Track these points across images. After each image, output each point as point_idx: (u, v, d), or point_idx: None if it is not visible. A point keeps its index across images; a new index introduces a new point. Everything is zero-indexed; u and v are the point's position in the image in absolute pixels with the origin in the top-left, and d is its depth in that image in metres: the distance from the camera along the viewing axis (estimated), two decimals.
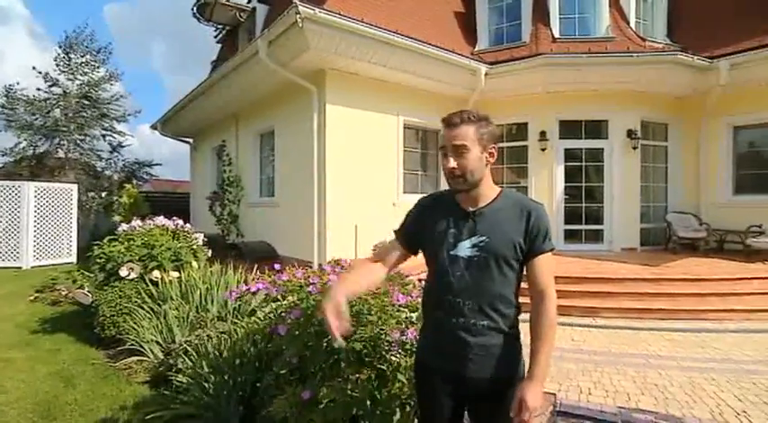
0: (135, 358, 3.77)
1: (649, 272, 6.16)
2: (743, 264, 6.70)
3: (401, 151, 8.04)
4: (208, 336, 3.26)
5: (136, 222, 6.76)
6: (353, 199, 7.35)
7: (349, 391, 2.04)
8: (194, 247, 5.03)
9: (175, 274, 4.61)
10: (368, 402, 2.05)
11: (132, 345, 3.86)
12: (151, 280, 4.52)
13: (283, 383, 2.35)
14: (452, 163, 1.46)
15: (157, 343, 3.89)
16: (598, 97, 8.00)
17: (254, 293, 2.44)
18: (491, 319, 1.45)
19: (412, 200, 7.08)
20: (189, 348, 3.26)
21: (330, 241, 7.09)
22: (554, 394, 3.12)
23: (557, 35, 8.42)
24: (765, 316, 5.29)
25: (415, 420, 2.21)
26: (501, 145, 8.98)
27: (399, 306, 2.23)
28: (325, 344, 2.05)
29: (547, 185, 8.39)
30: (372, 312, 2.08)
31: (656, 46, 8.39)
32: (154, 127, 12.81)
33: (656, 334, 4.80)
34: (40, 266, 9.11)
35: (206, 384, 2.66)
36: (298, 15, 5.67)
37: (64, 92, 11.32)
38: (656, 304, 5.45)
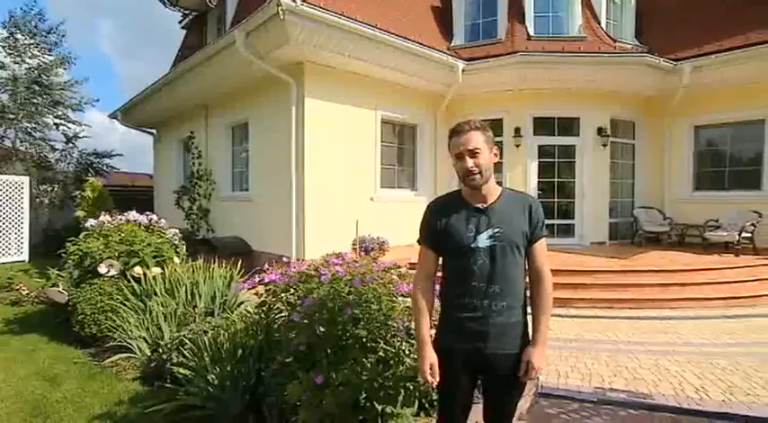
0: (123, 355, 3.85)
1: (618, 264, 6.69)
2: (701, 256, 7.37)
3: (379, 146, 8.24)
4: (203, 330, 3.40)
5: (104, 217, 6.71)
6: (332, 194, 7.51)
7: (356, 375, 2.27)
8: (175, 242, 5.07)
9: (158, 270, 4.67)
10: (374, 384, 2.29)
11: (119, 342, 3.94)
12: (133, 277, 4.57)
13: (290, 371, 2.56)
14: (470, 163, 1.75)
15: (144, 339, 3.99)
16: (571, 95, 8.50)
17: (265, 284, 2.59)
18: (509, 300, 1.75)
19: (389, 195, 7.38)
20: (185, 342, 3.39)
21: (309, 236, 7.23)
22: (536, 378, 3.46)
23: (531, 33, 8.84)
24: (720, 303, 5.90)
25: (416, 399, 2.48)
26: None
27: (402, 295, 2.47)
28: (337, 331, 2.27)
29: (521, 181, 8.83)
30: (381, 299, 2.31)
31: (626, 47, 8.99)
32: (113, 116, 12.46)
33: (625, 322, 5.29)
34: None
35: (210, 376, 2.82)
36: (279, 7, 5.75)
37: (14, 77, 10.79)
38: (624, 294, 5.96)
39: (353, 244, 7.25)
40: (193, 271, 4.71)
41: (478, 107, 8.99)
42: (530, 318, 1.82)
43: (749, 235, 7.64)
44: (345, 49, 6.87)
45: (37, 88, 11.16)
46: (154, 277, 4.51)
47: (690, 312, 5.64)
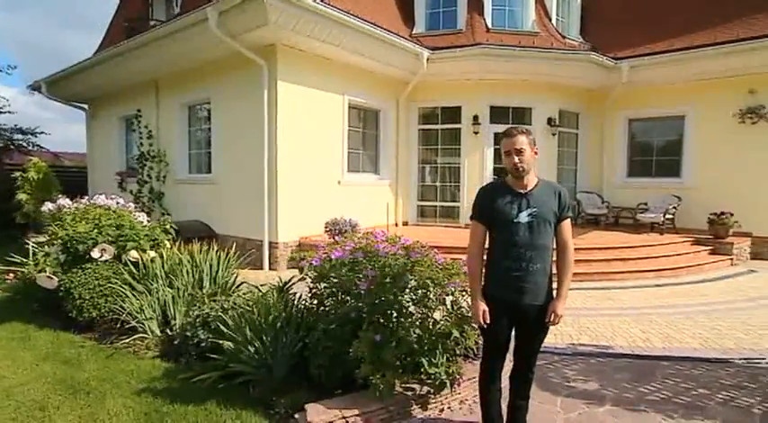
0: (137, 336, 4.08)
1: None
2: (634, 235, 8.72)
3: (346, 130, 8.68)
4: (231, 306, 3.76)
5: (63, 201, 6.62)
6: (303, 177, 7.87)
7: (408, 334, 2.85)
8: (166, 226, 5.24)
9: (152, 253, 4.86)
10: (422, 341, 2.88)
11: (130, 324, 4.16)
12: (129, 260, 4.73)
13: (335, 335, 3.07)
14: (516, 159, 2.34)
15: (155, 320, 4.25)
16: (525, 87, 9.44)
17: (330, 259, 3.00)
18: (541, 263, 2.36)
19: (355, 178, 8.18)
20: (209, 320, 3.74)
21: (282, 219, 7.57)
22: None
23: (490, 26, 9.64)
24: (652, 275, 7.16)
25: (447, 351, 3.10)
26: (437, 127, 10.12)
27: (440, 264, 3.05)
28: (391, 296, 2.82)
29: (478, 166, 9.70)
30: (424, 268, 2.87)
31: (573, 44, 10.09)
32: (34, 87, 11.60)
33: (578, 292, 6.29)
34: None
35: (258, 344, 3.24)
36: None
37: None
38: (575, 269, 6.99)
39: (326, 226, 7.67)
40: (190, 254, 4.95)
41: (440, 95, 9.69)
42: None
43: (671, 216, 9.12)
44: (321, 34, 7.19)
45: None
46: (152, 260, 4.70)
47: (628, 283, 6.82)
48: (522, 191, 2.40)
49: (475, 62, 8.88)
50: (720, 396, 3.30)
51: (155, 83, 9.66)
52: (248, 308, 3.68)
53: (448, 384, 2.86)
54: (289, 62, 7.49)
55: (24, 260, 5.72)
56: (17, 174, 9.13)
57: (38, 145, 12.77)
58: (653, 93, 9.70)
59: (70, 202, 6.62)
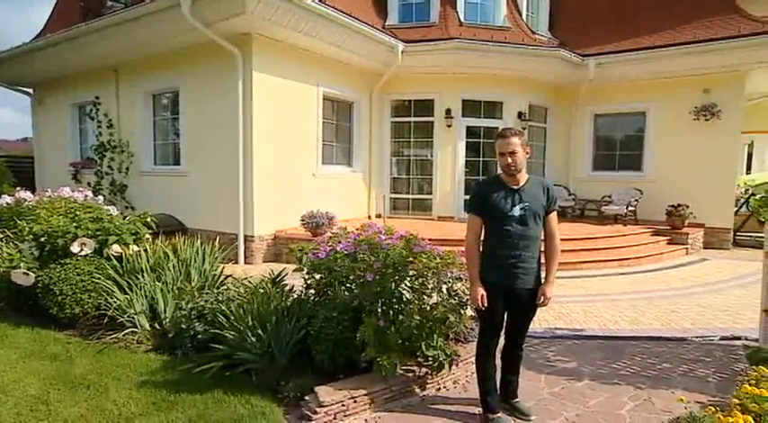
0: (128, 330, 4.19)
1: None
2: (599, 226, 9.39)
3: (320, 122, 8.86)
4: (227, 298, 3.95)
5: (23, 194, 6.51)
6: (278, 169, 8.00)
7: (409, 320, 3.16)
8: (146, 219, 5.29)
9: (135, 247, 4.93)
10: (421, 326, 3.20)
11: (120, 319, 4.25)
12: (111, 255, 4.78)
13: (336, 322, 3.34)
14: (510, 160, 2.72)
15: (143, 314, 4.36)
16: (496, 81, 9.91)
17: (336, 251, 3.23)
18: (532, 251, 2.76)
19: (333, 171, 8.61)
20: (205, 312, 3.91)
21: (258, 212, 7.69)
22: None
23: (462, 19, 10.02)
24: (615, 264, 7.83)
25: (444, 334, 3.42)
26: (410, 119, 10.45)
27: (439, 255, 3.36)
28: (392, 285, 3.12)
29: (450, 159, 10.12)
30: (424, 258, 3.18)
31: (542, 39, 10.65)
32: None
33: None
34: None
35: (260, 333, 3.46)
36: None
37: None
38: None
39: (302, 219, 7.85)
40: (174, 248, 5.06)
41: (413, 87, 10.02)
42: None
43: (633, 209, 9.89)
44: (298, 24, 7.32)
45: None
46: (138, 254, 4.79)
47: (595, 271, 7.44)
48: (514, 187, 2.77)
49: (449, 56, 9.24)
50: (681, 369, 3.81)
51: (114, 68, 9.45)
52: (246, 299, 3.89)
53: (446, 365, 3.19)
54: (264, 52, 7.57)
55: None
56: None
57: None
58: (617, 89, 10.43)
59: (32, 195, 6.51)
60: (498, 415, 2.87)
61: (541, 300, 2.80)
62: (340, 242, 3.22)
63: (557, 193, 10.68)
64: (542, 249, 2.95)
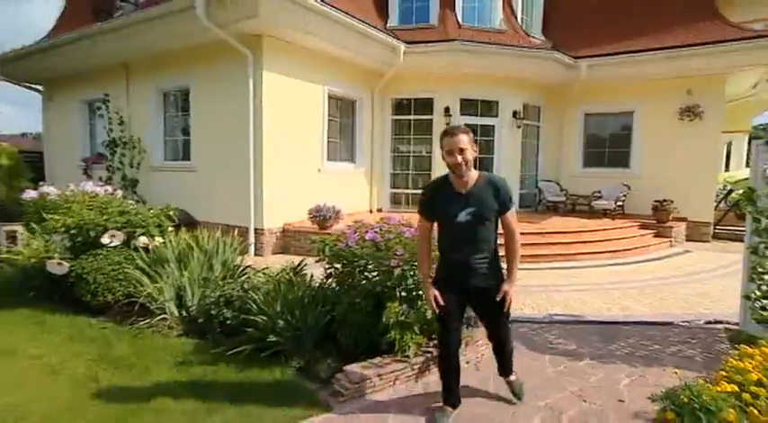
0: (160, 317, 4.38)
1: (534, 228, 8.59)
2: (590, 220, 9.69)
3: (326, 120, 9.03)
4: (252, 286, 4.15)
5: (47, 188, 6.65)
6: (286, 165, 8.17)
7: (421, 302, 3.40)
8: (169, 213, 5.46)
9: (160, 239, 5.11)
10: None
11: (146, 306, 4.43)
12: (138, 246, 4.95)
13: (360, 307, 3.56)
14: (459, 158, 2.50)
15: (173, 301, 4.55)
16: (493, 81, 10.13)
17: (364, 240, 3.44)
18: (482, 254, 2.65)
19: (337, 167, 8.82)
20: (232, 300, 4.11)
21: (267, 206, 7.87)
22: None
23: (461, 21, 10.20)
24: (606, 255, 8.10)
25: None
26: (409, 117, 10.65)
27: None
28: (413, 272, 3.36)
29: None
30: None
31: (537, 41, 10.87)
32: None
33: (546, 271, 7.10)
34: None
35: (289, 318, 3.67)
36: None
37: None
38: (541, 251, 7.82)
39: (310, 213, 8.03)
40: (196, 240, 5.24)
41: (413, 86, 10.22)
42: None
43: (621, 203, 10.22)
44: (307, 26, 7.47)
45: None
46: (164, 245, 4.96)
47: (587, 262, 7.72)
48: (462, 191, 2.60)
49: (449, 56, 9.43)
50: (670, 350, 4.09)
51: (124, 66, 9.52)
52: (272, 287, 4.10)
53: (463, 346, 3.43)
54: (274, 52, 7.71)
55: (13, 248, 5.78)
56: None
57: None
58: (607, 90, 10.72)
59: (55, 190, 6.64)
60: (444, 409, 2.85)
61: (501, 296, 2.68)
62: (367, 231, 3.42)
63: (551, 188, 10.92)
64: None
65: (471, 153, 2.54)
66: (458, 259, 2.68)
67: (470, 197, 2.59)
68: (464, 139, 2.52)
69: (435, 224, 2.77)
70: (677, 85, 10.08)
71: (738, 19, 10.13)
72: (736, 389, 2.47)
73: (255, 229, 7.90)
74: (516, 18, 10.76)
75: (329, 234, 7.44)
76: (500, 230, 2.76)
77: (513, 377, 3.14)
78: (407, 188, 10.81)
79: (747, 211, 4.23)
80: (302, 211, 8.12)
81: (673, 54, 9.57)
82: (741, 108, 12.95)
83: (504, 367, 3.12)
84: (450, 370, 2.88)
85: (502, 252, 2.79)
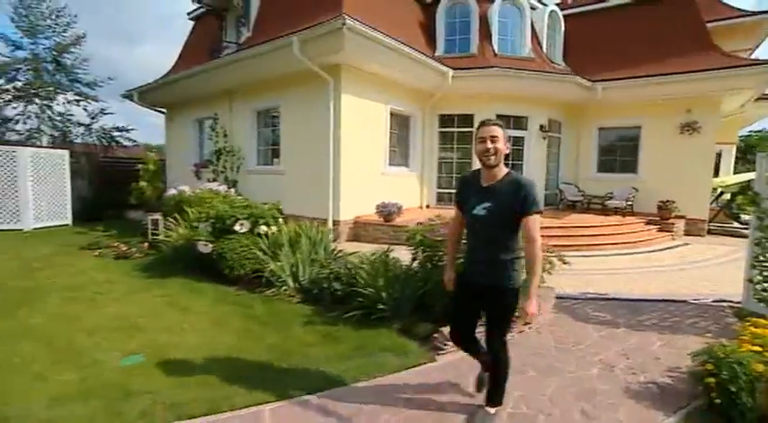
0: (283, 288, 4.75)
1: (558, 223, 8.64)
2: (605, 217, 9.60)
3: (388, 132, 9.29)
4: (355, 265, 4.47)
5: (183, 187, 7.16)
6: (357, 169, 8.47)
7: None
8: (279, 207, 5.86)
9: (274, 227, 5.50)
10: None
11: (270, 279, 4.80)
12: (259, 233, 5.37)
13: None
14: (489, 144, 2.13)
15: (291, 276, 4.92)
16: (523, 100, 10.13)
17: (437, 232, 3.71)
18: (496, 254, 2.19)
19: (395, 171, 9.12)
20: (340, 275, 4.43)
21: (343, 203, 8.21)
22: (553, 288, 5.04)
23: (496, 51, 10.25)
24: (622, 246, 8.08)
25: None
26: (453, 130, 10.77)
27: None
28: None
29: None
30: None
31: (559, 67, 10.79)
32: (126, 96, 11.91)
33: (576, 259, 6.96)
34: (40, 228, 8.52)
35: (390, 290, 3.97)
36: (344, 26, 6.50)
37: (33, 54, 9.86)
38: (568, 242, 7.84)
39: (377, 208, 8.33)
40: (300, 229, 5.61)
41: (457, 104, 10.33)
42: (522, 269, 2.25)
43: (630, 203, 10.08)
44: (376, 56, 7.72)
45: (58, 67, 10.30)
46: (280, 231, 5.35)
47: (608, 252, 7.71)
48: (485, 185, 2.23)
49: (488, 80, 9.50)
50: (688, 322, 4.15)
51: (228, 92, 10.04)
52: (371, 266, 4.39)
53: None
54: (349, 78, 8.01)
55: (169, 232, 6.29)
56: (138, 166, 9.53)
57: (131, 139, 13.04)
58: (618, 108, 10.57)
59: (188, 188, 7.17)
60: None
61: (525, 317, 2.15)
62: (442, 227, 3.67)
63: (570, 189, 10.82)
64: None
65: (502, 145, 2.15)
66: (473, 249, 2.33)
67: (489, 192, 2.18)
68: (497, 130, 2.16)
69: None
70: (678, 105, 9.86)
71: (729, 49, 9.90)
72: (759, 349, 2.60)
73: (333, 221, 8.25)
74: (542, 48, 10.70)
75: (394, 225, 7.82)
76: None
77: (492, 411, 2.41)
78: (450, 188, 10.97)
79: (751, 211, 4.25)
80: (369, 206, 8.43)
81: (673, 79, 9.41)
82: (729, 123, 12.53)
83: (492, 394, 2.43)
84: (467, 351, 2.60)
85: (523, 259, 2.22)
